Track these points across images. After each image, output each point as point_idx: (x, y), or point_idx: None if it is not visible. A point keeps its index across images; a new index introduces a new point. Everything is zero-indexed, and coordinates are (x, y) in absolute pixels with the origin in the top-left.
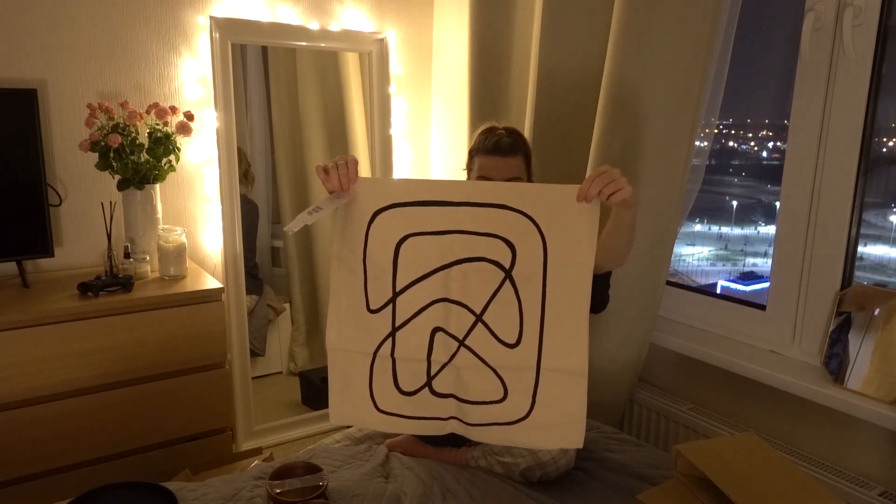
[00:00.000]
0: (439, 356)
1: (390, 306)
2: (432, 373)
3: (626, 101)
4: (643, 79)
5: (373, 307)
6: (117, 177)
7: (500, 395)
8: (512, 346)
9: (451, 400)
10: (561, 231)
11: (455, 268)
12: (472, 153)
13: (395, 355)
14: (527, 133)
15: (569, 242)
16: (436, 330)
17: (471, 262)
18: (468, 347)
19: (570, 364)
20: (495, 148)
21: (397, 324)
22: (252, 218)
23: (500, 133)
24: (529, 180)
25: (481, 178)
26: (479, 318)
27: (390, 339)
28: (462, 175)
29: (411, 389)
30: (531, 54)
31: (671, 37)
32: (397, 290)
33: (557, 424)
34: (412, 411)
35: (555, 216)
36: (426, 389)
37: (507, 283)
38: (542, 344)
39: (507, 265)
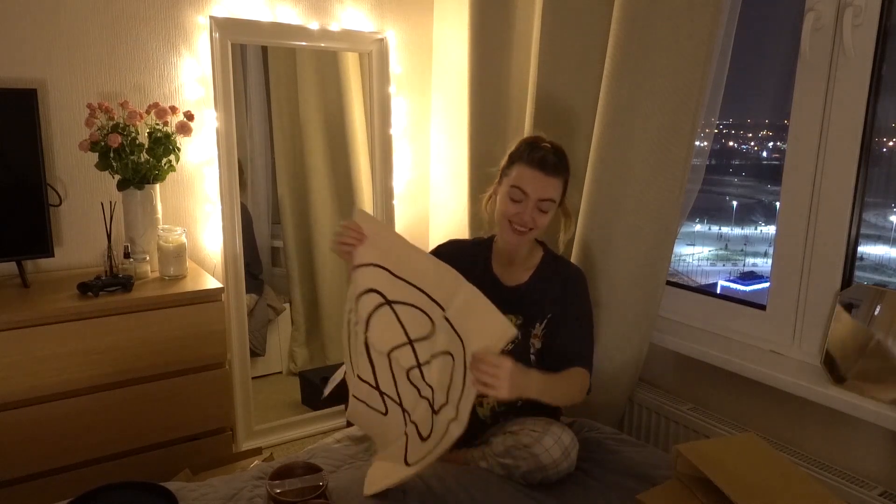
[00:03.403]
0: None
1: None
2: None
3: (625, 101)
4: (643, 79)
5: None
6: (117, 177)
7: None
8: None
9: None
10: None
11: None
12: (513, 158)
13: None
14: (527, 133)
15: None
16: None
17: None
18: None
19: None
20: (541, 163)
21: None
22: (244, 223)
23: (546, 147)
24: (560, 204)
25: (515, 187)
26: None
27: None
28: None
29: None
30: (531, 54)
31: (671, 37)
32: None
33: None
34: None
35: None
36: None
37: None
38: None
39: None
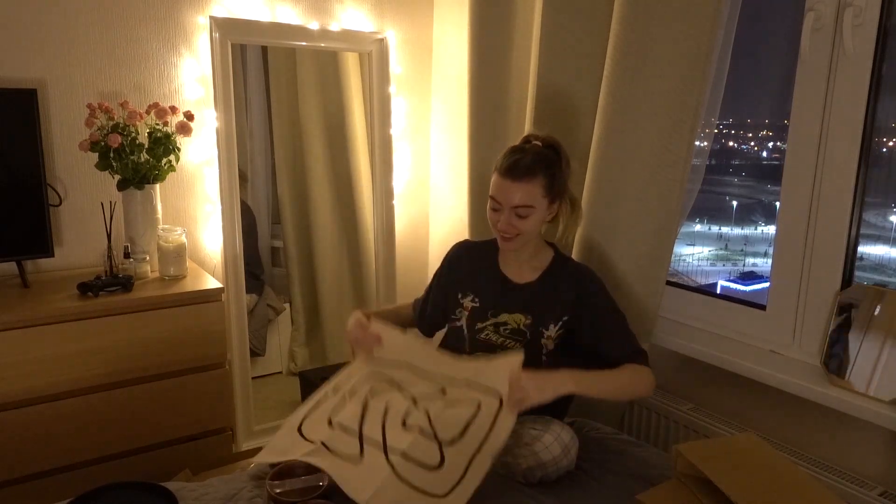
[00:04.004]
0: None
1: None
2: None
3: (625, 101)
4: (644, 79)
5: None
6: (117, 177)
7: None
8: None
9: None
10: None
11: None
12: (494, 167)
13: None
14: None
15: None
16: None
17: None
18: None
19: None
20: (509, 170)
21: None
22: (247, 220)
23: (527, 149)
24: (552, 202)
25: (491, 197)
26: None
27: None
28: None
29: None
30: (531, 54)
31: (671, 36)
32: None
33: None
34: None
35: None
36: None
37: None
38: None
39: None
